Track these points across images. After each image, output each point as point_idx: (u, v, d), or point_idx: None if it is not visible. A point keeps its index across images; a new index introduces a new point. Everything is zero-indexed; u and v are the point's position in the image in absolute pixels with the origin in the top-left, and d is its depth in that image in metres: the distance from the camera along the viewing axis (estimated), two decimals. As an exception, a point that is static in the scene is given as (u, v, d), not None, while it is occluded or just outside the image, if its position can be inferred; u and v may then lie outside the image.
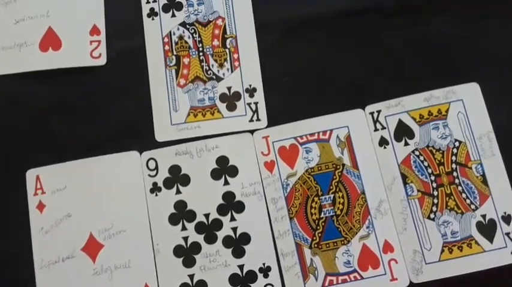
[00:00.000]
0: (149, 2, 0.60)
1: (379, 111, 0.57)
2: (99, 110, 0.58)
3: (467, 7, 0.59)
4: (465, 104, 0.56)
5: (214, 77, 0.59)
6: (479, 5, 0.59)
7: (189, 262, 0.54)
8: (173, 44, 0.59)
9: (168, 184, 0.56)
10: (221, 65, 0.59)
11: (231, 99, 0.58)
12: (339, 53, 0.59)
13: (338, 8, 0.59)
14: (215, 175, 0.56)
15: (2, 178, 0.56)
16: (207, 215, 0.55)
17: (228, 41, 0.59)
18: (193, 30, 0.60)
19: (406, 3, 0.59)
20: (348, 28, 0.59)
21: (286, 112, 0.57)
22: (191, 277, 0.54)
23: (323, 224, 0.55)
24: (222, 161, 0.56)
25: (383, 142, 0.56)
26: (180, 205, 0.55)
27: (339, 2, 0.60)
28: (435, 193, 0.55)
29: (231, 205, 0.55)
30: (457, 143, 0.56)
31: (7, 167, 0.56)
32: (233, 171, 0.56)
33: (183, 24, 0.60)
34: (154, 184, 0.56)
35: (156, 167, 0.56)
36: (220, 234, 0.55)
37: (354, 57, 0.59)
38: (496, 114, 0.56)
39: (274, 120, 0.57)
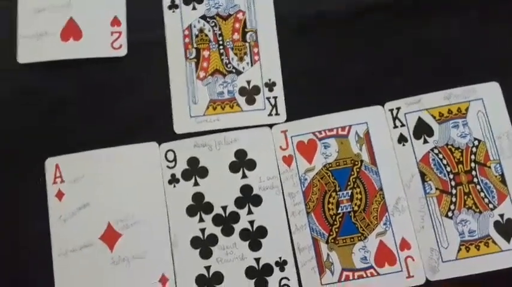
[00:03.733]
0: (170, -5, 0.61)
1: (398, 109, 0.56)
2: (119, 100, 0.58)
3: (485, 7, 0.59)
4: (485, 103, 0.56)
5: (233, 70, 0.59)
6: (496, 4, 0.59)
7: (205, 254, 0.54)
8: (193, 37, 0.59)
9: (186, 175, 0.56)
10: (241, 59, 0.59)
11: (250, 93, 0.58)
12: (359, 49, 0.59)
13: (360, 3, 0.59)
14: (233, 167, 0.56)
15: (22, 166, 0.56)
16: (224, 208, 0.55)
17: (248, 35, 0.59)
18: (213, 24, 0.60)
19: (425, 1, 0.59)
20: (368, 24, 0.59)
21: (305, 107, 0.57)
22: (207, 268, 0.54)
23: (340, 219, 0.55)
24: (241, 154, 0.56)
25: (402, 139, 0.56)
26: (198, 197, 0.55)
27: (362, -2, 0.60)
28: (453, 192, 0.55)
29: (248, 198, 0.55)
30: (476, 142, 0.55)
31: (27, 155, 0.57)
32: (251, 164, 0.56)
33: (203, 17, 0.60)
34: (173, 175, 0.56)
35: (175, 159, 0.56)
36: (237, 227, 0.55)
37: (374, 54, 0.58)
38: (515, 114, 0.56)
39: (293, 115, 0.57)
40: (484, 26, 0.59)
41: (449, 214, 0.54)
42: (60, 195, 0.55)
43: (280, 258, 0.54)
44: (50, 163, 0.56)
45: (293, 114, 0.57)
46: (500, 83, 0.56)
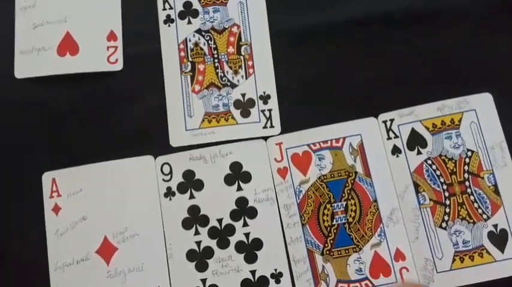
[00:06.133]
0: (165, 9, 0.61)
1: (392, 120, 0.57)
2: (115, 114, 0.59)
3: (477, 19, 0.60)
4: (478, 114, 0.57)
5: (228, 83, 0.59)
6: (489, 17, 0.60)
7: (201, 267, 0.54)
8: (189, 51, 0.60)
9: (182, 188, 0.56)
10: (236, 72, 0.59)
11: (245, 106, 0.59)
12: (352, 62, 0.59)
13: (352, 17, 0.60)
14: (228, 180, 0.56)
15: (18, 180, 0.57)
16: (220, 220, 0.56)
17: (243, 48, 0.60)
18: (208, 37, 0.60)
19: (416, 13, 0.60)
20: (361, 37, 0.60)
21: (299, 119, 0.58)
22: (203, 281, 0.54)
23: (335, 231, 0.55)
24: (236, 166, 0.57)
25: (396, 151, 0.56)
26: (194, 210, 0.56)
27: (352, 12, 0.60)
28: (447, 202, 0.55)
29: (243, 210, 0.56)
30: (469, 153, 0.56)
31: (24, 169, 0.57)
32: (246, 177, 0.56)
33: (198, 31, 0.61)
34: (169, 188, 0.56)
35: (171, 172, 0.57)
36: (233, 239, 0.55)
37: (366, 66, 0.59)
38: (507, 124, 0.56)
39: (287, 127, 0.58)
40: (476, 37, 0.59)
41: (443, 224, 0.54)
42: (56, 209, 0.55)
43: (275, 270, 0.54)
44: (47, 177, 0.56)
45: (288, 127, 0.58)
46: (493, 93, 0.57)
